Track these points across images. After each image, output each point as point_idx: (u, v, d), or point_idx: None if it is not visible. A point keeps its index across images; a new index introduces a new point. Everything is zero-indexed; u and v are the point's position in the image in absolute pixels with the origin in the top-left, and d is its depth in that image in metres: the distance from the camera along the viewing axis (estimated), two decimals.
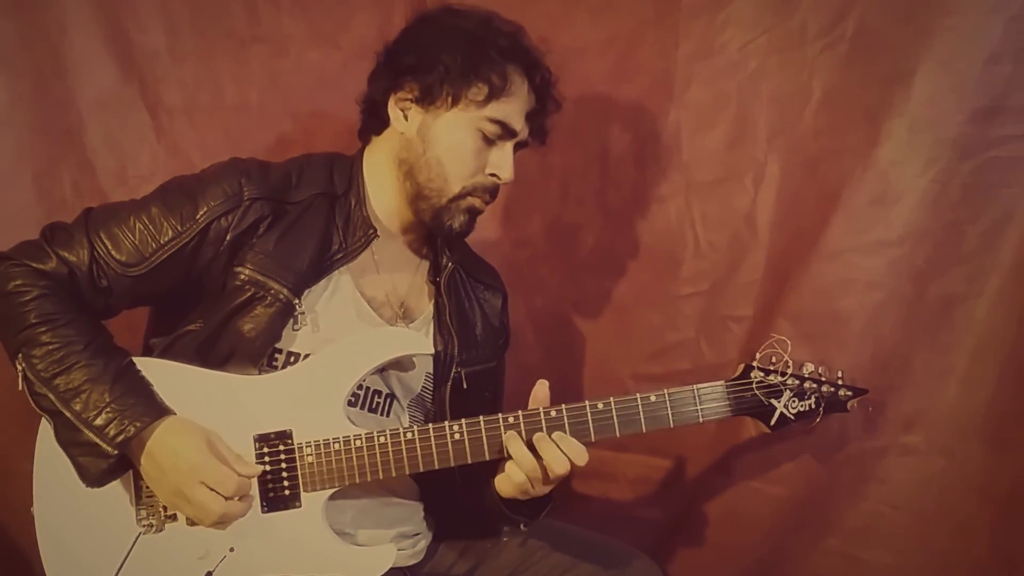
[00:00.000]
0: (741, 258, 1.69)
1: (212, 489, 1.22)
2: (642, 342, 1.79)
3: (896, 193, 1.54)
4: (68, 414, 1.21)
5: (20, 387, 1.26)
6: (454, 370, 1.45)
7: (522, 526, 1.39)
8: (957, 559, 1.57)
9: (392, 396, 1.43)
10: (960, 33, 1.48)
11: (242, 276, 1.32)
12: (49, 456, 1.28)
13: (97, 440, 1.20)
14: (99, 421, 1.20)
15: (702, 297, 1.74)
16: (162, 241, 1.30)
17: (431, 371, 1.45)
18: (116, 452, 1.21)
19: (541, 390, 1.32)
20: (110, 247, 1.29)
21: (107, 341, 1.30)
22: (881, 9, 1.54)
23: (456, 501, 1.47)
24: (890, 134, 1.53)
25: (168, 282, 1.33)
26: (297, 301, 1.33)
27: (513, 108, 1.37)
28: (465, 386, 1.45)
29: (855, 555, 1.65)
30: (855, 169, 1.56)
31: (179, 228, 1.30)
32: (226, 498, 1.23)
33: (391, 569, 1.31)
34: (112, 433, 1.20)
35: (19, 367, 1.25)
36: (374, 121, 1.45)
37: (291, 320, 1.33)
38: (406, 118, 1.39)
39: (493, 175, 1.38)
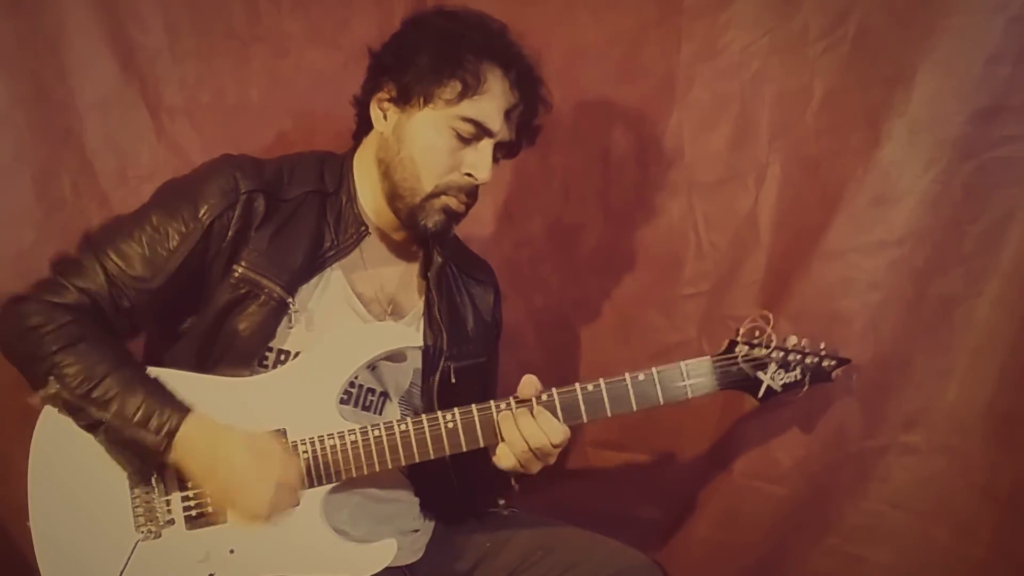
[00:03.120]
0: (743, 258, 1.70)
1: (280, 487, 1.25)
2: (644, 342, 1.80)
3: (897, 193, 1.55)
4: (109, 419, 1.23)
5: (47, 404, 1.27)
6: (442, 364, 1.45)
7: (512, 481, 1.40)
8: (958, 558, 1.58)
9: (385, 394, 1.44)
10: (960, 33, 1.48)
11: (236, 273, 1.33)
12: (44, 465, 1.29)
13: (140, 436, 1.22)
14: (139, 417, 1.22)
15: (704, 297, 1.74)
16: (171, 247, 1.31)
17: (419, 367, 1.46)
18: (165, 441, 1.22)
19: (530, 382, 1.33)
20: (123, 266, 1.30)
21: (128, 354, 1.31)
22: (882, 10, 1.55)
23: (449, 487, 1.48)
24: (891, 135, 1.54)
25: (183, 286, 1.33)
26: (291, 299, 1.34)
27: (488, 107, 1.36)
28: (453, 380, 1.46)
29: (856, 554, 1.66)
30: (856, 169, 1.57)
31: (184, 231, 1.31)
32: (291, 490, 1.25)
33: (391, 568, 1.31)
34: (155, 426, 1.22)
35: (51, 391, 1.25)
36: (363, 122, 1.46)
37: (285, 318, 1.34)
38: (385, 118, 1.41)
39: (469, 175, 1.38)
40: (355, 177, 1.45)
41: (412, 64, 1.36)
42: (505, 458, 1.31)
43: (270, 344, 1.35)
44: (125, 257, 1.30)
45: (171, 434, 1.23)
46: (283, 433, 1.30)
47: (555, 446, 1.30)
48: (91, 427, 1.25)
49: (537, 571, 1.46)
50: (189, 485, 1.29)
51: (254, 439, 1.26)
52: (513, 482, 1.41)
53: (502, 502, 1.56)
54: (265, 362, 1.35)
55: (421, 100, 1.36)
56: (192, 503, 1.29)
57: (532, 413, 1.30)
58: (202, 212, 1.31)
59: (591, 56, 1.77)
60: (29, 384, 1.29)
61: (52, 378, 1.24)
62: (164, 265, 1.30)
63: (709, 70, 1.69)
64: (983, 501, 1.55)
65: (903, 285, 1.56)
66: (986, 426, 1.55)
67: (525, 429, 1.29)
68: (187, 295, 1.35)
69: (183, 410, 1.25)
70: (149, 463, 1.27)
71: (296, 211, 1.37)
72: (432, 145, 1.36)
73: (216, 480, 1.26)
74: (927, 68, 1.50)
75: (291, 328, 1.35)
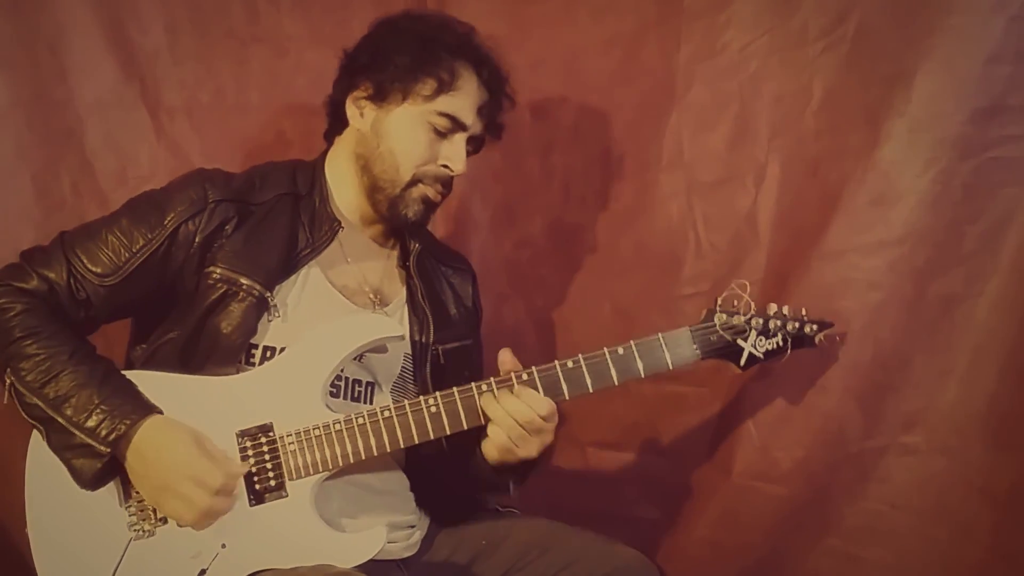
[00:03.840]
0: (742, 258, 1.69)
1: (198, 485, 1.24)
2: None
3: (896, 193, 1.54)
4: (60, 420, 1.25)
5: (6, 400, 1.29)
6: (431, 348, 1.48)
7: (510, 486, 1.42)
8: (957, 559, 1.57)
9: (373, 384, 1.45)
10: (960, 33, 1.48)
11: (214, 275, 1.36)
12: (40, 467, 1.30)
13: (90, 441, 1.24)
14: (91, 422, 1.24)
15: (703, 297, 1.72)
16: (134, 249, 1.35)
17: (409, 352, 1.48)
18: (109, 450, 1.24)
19: (507, 355, 1.34)
20: (86, 261, 1.34)
21: (90, 349, 1.34)
22: (882, 10, 1.55)
23: (444, 482, 1.49)
24: (890, 134, 1.53)
25: (143, 289, 1.37)
26: (269, 294, 1.37)
27: (462, 102, 1.43)
28: (443, 361, 1.49)
29: (855, 555, 1.65)
30: (856, 169, 1.56)
31: (149, 235, 1.36)
32: (213, 492, 1.24)
33: (386, 561, 1.32)
34: (104, 432, 1.24)
35: (8, 380, 1.28)
36: (336, 122, 1.52)
37: (265, 313, 1.37)
38: (362, 115, 1.47)
39: (445, 166, 1.44)
40: (328, 178, 1.50)
41: (390, 63, 1.43)
42: (496, 437, 1.31)
43: (255, 341, 1.37)
44: (90, 254, 1.35)
45: (118, 441, 1.24)
46: (270, 427, 1.31)
47: (543, 419, 1.30)
48: (42, 422, 1.26)
49: (533, 570, 1.46)
50: (133, 491, 1.30)
51: (195, 450, 1.26)
52: (511, 489, 1.41)
53: (500, 509, 1.57)
54: (252, 359, 1.37)
55: (399, 96, 1.43)
56: None
57: (513, 391, 1.31)
58: (168, 218, 1.36)
59: (591, 56, 1.78)
60: None
61: (9, 369, 1.27)
62: (124, 265, 1.35)
63: (708, 70, 1.69)
64: (982, 501, 1.54)
65: (903, 285, 1.56)
66: (986, 426, 1.54)
67: (508, 406, 1.30)
68: (153, 299, 1.38)
69: (143, 412, 1.26)
70: (86, 469, 1.25)
71: (269, 213, 1.42)
72: (410, 138, 1.43)
73: (148, 483, 1.27)
74: (927, 68, 1.50)
75: (271, 321, 1.37)
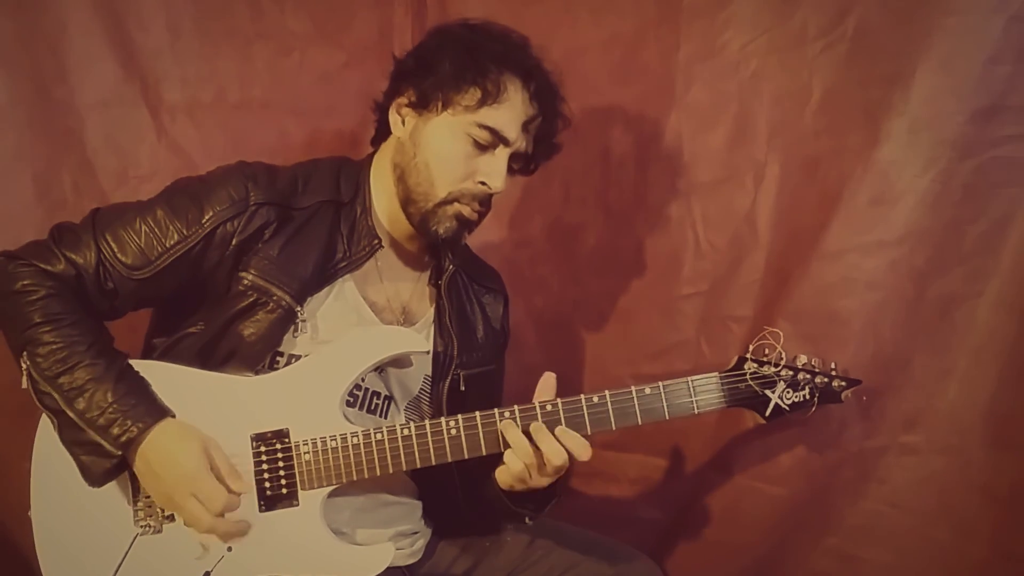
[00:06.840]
0: (741, 258, 1.69)
1: (201, 503, 1.23)
2: (643, 342, 1.79)
3: (896, 193, 1.54)
4: (71, 414, 1.23)
5: (24, 385, 1.27)
6: (452, 372, 1.45)
7: (527, 519, 1.39)
8: (957, 558, 1.57)
9: (390, 398, 1.44)
10: (960, 33, 1.48)
11: (246, 281, 1.33)
12: (47, 458, 1.29)
13: (100, 440, 1.22)
14: (102, 421, 1.22)
15: (703, 297, 1.74)
16: (167, 245, 1.31)
17: (429, 373, 1.46)
18: (120, 453, 1.22)
19: (548, 382, 1.32)
20: (116, 250, 1.30)
21: (109, 343, 1.31)
22: (881, 9, 1.55)
23: (455, 499, 1.48)
24: (890, 134, 1.53)
25: (173, 285, 1.34)
26: (299, 308, 1.34)
27: (507, 116, 1.36)
28: (463, 388, 1.46)
29: (855, 554, 1.65)
30: (855, 169, 1.56)
31: (185, 232, 1.31)
32: (214, 514, 1.24)
33: (389, 568, 1.31)
34: (116, 433, 1.22)
35: (24, 365, 1.26)
36: (382, 128, 1.46)
37: (292, 327, 1.34)
38: (403, 123, 1.41)
39: (482, 183, 1.37)
40: (371, 185, 1.44)
41: (433, 70, 1.36)
42: (513, 465, 1.28)
43: (279, 349, 1.34)
44: (121, 243, 1.31)
45: (128, 444, 1.22)
46: (286, 433, 1.30)
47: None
48: (54, 413, 1.25)
49: (536, 571, 1.47)
50: (141, 487, 1.29)
51: (202, 466, 1.24)
52: (528, 520, 1.39)
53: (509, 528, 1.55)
54: (276, 366, 1.35)
55: (440, 105, 1.36)
56: None
57: (553, 432, 1.27)
58: (206, 217, 1.32)
59: (591, 56, 1.78)
60: (10, 350, 1.29)
61: (25, 353, 1.25)
62: (155, 260, 1.31)
63: (708, 70, 1.69)
64: (983, 501, 1.54)
65: (903, 285, 1.56)
66: (986, 426, 1.54)
67: (545, 446, 1.26)
68: (181, 295, 1.35)
69: (156, 417, 1.24)
70: (94, 467, 1.24)
71: (309, 220, 1.37)
72: (448, 149, 1.36)
73: (157, 492, 1.26)
74: (926, 67, 1.50)
75: (297, 336, 1.35)
